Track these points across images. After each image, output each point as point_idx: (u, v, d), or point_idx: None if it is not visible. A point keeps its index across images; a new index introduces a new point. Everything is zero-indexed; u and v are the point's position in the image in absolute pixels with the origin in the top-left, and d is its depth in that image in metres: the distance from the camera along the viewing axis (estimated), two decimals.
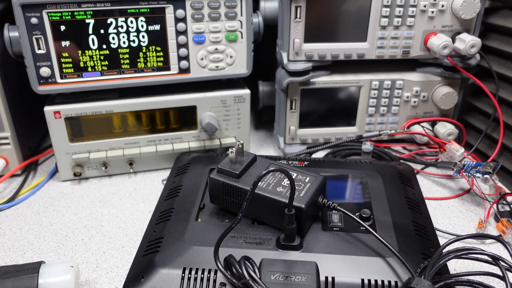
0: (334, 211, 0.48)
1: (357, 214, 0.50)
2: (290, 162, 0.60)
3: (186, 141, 0.70)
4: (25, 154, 0.70)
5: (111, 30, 0.61)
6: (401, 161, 0.69)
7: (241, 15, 0.64)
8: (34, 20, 0.57)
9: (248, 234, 0.47)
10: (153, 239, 0.49)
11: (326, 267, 0.43)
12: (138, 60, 0.63)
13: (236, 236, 0.47)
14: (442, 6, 0.66)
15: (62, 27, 0.59)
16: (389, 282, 0.42)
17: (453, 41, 0.67)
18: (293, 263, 0.43)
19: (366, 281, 0.42)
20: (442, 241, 0.53)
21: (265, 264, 0.43)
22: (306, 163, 0.60)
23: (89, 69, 0.62)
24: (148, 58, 0.64)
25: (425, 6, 0.66)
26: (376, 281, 0.42)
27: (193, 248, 0.46)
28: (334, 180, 0.57)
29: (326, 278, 0.42)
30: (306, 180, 0.49)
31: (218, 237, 0.43)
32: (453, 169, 0.63)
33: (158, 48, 0.63)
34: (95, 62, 0.62)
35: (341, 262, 0.44)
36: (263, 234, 0.47)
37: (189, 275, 0.43)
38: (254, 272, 0.40)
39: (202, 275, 0.43)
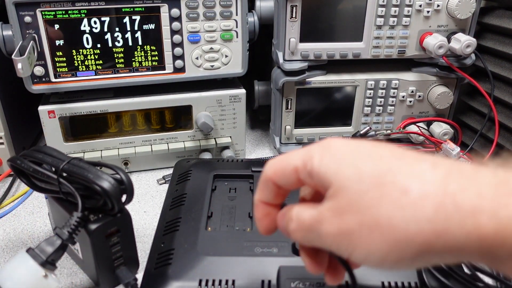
0: None
1: None
2: None
3: (181, 140, 0.70)
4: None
5: (105, 29, 0.60)
6: None
7: (237, 14, 0.64)
8: (27, 19, 0.57)
9: (262, 241, 0.46)
10: (163, 251, 0.47)
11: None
12: (133, 59, 0.63)
13: (249, 245, 0.46)
14: (438, 6, 0.66)
15: (56, 26, 0.58)
16: (409, 283, 0.42)
17: (449, 41, 0.67)
18: None
19: (386, 284, 0.42)
20: None
21: (284, 271, 0.42)
22: None
23: (84, 68, 0.62)
24: (142, 57, 0.63)
25: (420, 5, 0.66)
26: (396, 283, 0.42)
27: (207, 259, 0.44)
28: None
29: (347, 282, 0.41)
30: None
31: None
32: None
33: (153, 47, 0.63)
34: (90, 61, 0.62)
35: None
36: (277, 239, 0.46)
37: (206, 287, 0.42)
38: None
39: (220, 287, 0.42)
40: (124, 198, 0.42)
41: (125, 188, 0.42)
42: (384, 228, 0.25)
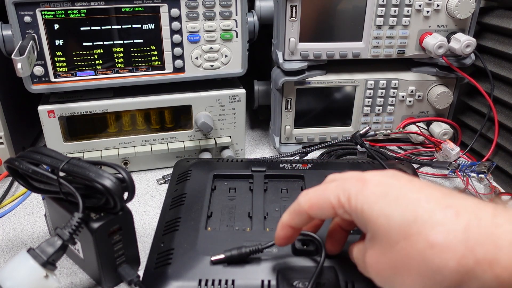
0: None
1: None
2: (294, 164, 0.60)
3: (181, 140, 0.70)
4: None
5: (105, 28, 0.60)
6: (399, 160, 0.69)
7: (236, 14, 0.64)
8: (27, 19, 0.57)
9: (262, 241, 0.46)
10: (162, 250, 0.47)
11: (344, 272, 0.42)
12: (133, 59, 0.63)
13: (249, 245, 0.45)
14: (437, 5, 0.66)
15: (56, 26, 0.58)
16: None
17: (448, 41, 0.67)
18: (311, 270, 0.42)
19: None
20: None
21: (283, 272, 0.42)
22: (309, 165, 0.59)
23: (83, 68, 0.62)
24: (142, 57, 0.63)
25: (420, 5, 0.66)
26: None
27: (207, 259, 0.44)
28: None
29: (346, 283, 0.42)
30: None
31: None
32: (448, 169, 0.63)
33: (153, 47, 0.63)
34: (89, 61, 0.62)
35: None
36: None
37: (206, 287, 0.42)
38: None
39: (219, 287, 0.42)
40: (125, 195, 0.42)
41: (127, 186, 0.42)
42: (414, 276, 0.30)
